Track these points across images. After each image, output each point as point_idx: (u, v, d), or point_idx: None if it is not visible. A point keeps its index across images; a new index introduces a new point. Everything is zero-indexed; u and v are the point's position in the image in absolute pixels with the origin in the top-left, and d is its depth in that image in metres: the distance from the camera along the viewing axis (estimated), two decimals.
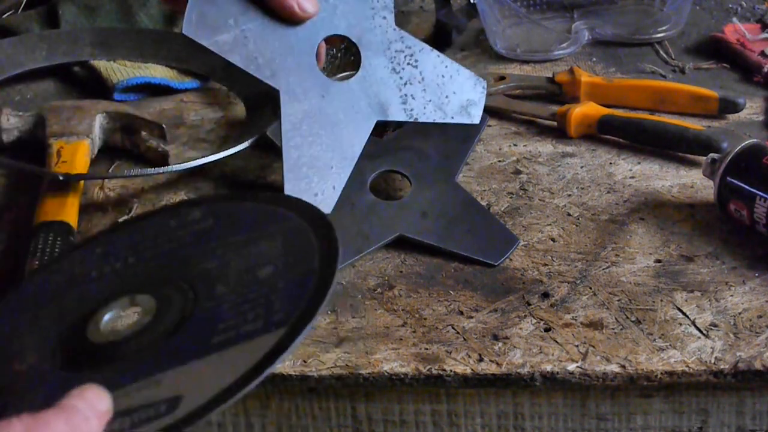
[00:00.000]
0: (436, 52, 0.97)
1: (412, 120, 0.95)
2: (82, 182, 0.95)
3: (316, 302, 0.65)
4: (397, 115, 0.94)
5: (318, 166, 0.89)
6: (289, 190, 0.87)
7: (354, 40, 0.93)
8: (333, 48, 1.08)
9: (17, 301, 0.79)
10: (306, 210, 0.77)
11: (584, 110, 1.04)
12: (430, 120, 0.96)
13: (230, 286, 0.70)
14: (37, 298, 0.78)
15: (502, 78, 1.13)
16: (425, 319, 0.79)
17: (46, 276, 0.81)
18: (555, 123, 1.06)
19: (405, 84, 0.95)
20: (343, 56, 1.10)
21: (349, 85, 0.92)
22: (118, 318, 0.72)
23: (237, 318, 0.67)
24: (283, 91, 0.89)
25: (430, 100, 0.96)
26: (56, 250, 0.84)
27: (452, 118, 0.97)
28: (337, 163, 0.90)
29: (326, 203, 0.88)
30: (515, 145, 1.03)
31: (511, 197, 0.95)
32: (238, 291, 0.70)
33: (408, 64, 0.95)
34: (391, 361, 0.75)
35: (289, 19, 0.89)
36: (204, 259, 0.75)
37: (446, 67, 0.97)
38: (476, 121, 0.98)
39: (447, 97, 0.97)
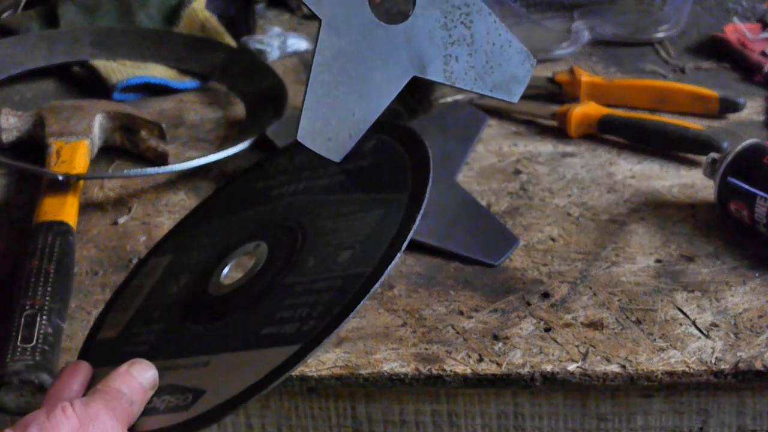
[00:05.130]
0: (494, 17, 0.88)
1: (449, 84, 0.89)
2: (81, 182, 0.95)
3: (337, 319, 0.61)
4: (435, 75, 0.87)
5: (340, 110, 0.82)
6: (303, 129, 0.80)
7: None
8: None
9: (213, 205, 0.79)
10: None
11: (584, 110, 1.04)
12: (468, 88, 0.89)
13: (316, 260, 0.66)
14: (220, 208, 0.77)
15: None
16: (425, 319, 0.79)
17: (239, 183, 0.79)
18: (555, 123, 1.06)
19: (452, 43, 0.87)
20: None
21: (396, 30, 0.84)
22: (235, 267, 0.70)
23: (294, 311, 0.64)
24: (325, 21, 0.81)
25: (473, 67, 0.88)
26: (56, 250, 0.84)
27: (491, 91, 0.89)
28: (360, 112, 0.83)
29: (337, 151, 0.81)
30: (515, 145, 1.03)
31: (511, 197, 0.94)
32: (316, 272, 0.66)
33: (461, 22, 0.87)
34: (391, 361, 0.75)
35: None
36: (329, 212, 0.71)
37: (500, 35, 0.89)
38: (515, 99, 0.92)
39: (492, 67, 0.89)
